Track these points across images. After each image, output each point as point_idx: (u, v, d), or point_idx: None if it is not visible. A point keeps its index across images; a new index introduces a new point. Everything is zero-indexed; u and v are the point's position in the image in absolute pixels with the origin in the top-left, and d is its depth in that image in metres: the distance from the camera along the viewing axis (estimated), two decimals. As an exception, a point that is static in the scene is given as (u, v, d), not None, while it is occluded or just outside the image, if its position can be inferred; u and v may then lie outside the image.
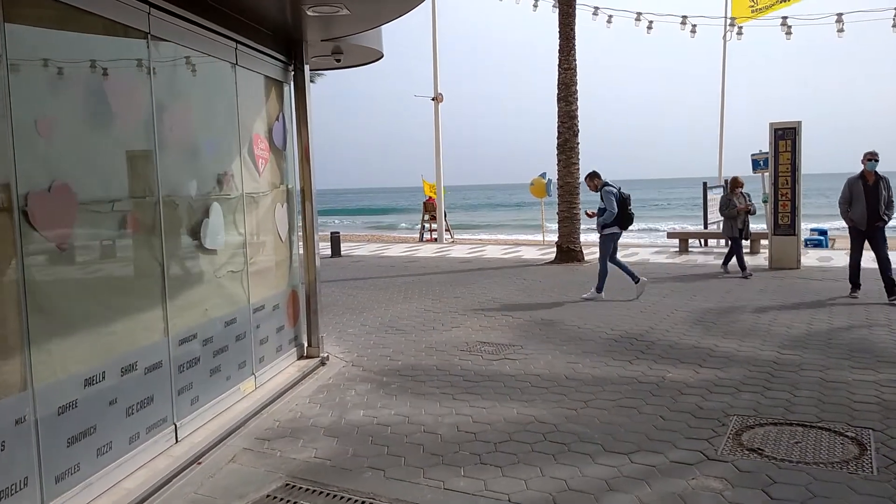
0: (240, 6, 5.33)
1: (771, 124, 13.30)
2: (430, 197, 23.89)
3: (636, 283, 10.30)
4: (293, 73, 6.60)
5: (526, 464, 4.31)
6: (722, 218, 13.06)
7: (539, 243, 21.15)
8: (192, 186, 4.88)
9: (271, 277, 6.19)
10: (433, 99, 22.13)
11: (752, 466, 4.18)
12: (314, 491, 4.03)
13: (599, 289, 10.26)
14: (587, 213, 11.06)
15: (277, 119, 6.34)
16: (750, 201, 12.35)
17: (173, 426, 4.55)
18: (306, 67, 6.62)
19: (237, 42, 5.51)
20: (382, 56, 7.49)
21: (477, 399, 5.63)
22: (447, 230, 24.48)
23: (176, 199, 4.67)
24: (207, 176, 5.11)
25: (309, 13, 5.50)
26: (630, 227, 10.57)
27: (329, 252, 17.78)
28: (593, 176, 10.52)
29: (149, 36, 4.37)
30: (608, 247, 10.39)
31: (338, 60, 7.29)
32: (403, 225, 42.02)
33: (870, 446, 4.41)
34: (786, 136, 13.14)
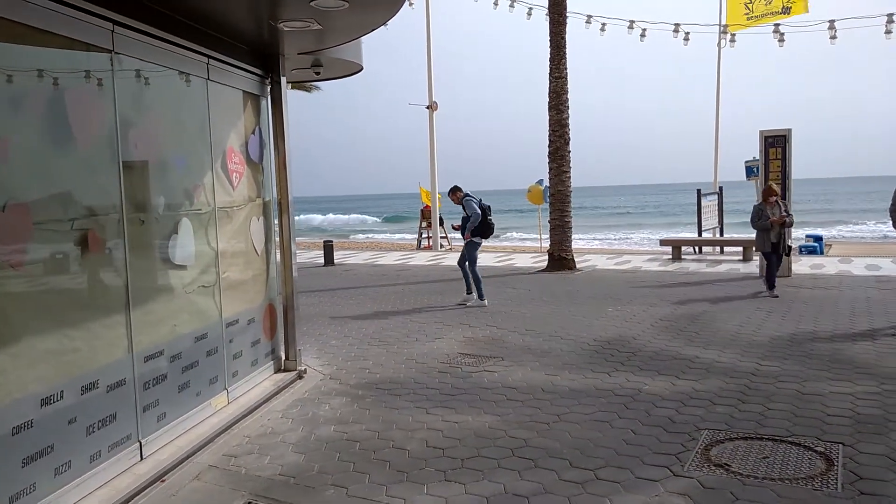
0: (210, 22, 5.33)
1: (761, 132, 13.30)
2: (428, 205, 23.95)
3: (471, 295, 10.80)
4: (270, 86, 6.59)
5: (490, 480, 4.29)
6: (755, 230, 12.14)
7: (536, 250, 21.14)
8: (158, 202, 4.87)
9: (246, 291, 6.18)
10: (428, 107, 22.17)
11: (717, 483, 4.15)
12: (275, 509, 4.00)
13: (480, 296, 10.73)
14: (452, 227, 11.52)
15: (253, 132, 6.34)
16: (786, 211, 11.05)
17: (138, 443, 4.53)
18: (283, 80, 6.62)
19: (209, 57, 5.51)
20: (362, 69, 7.50)
21: (451, 413, 5.61)
22: (444, 237, 24.53)
23: (141, 215, 4.66)
24: (176, 191, 5.10)
25: (280, 28, 5.50)
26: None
27: (322, 261, 17.79)
28: (455, 190, 10.95)
29: (112, 53, 4.37)
30: (473, 254, 10.81)
31: (317, 73, 7.30)
32: (399, 237, 42.10)
33: (837, 462, 4.38)
34: (776, 144, 13.13)
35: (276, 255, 6.80)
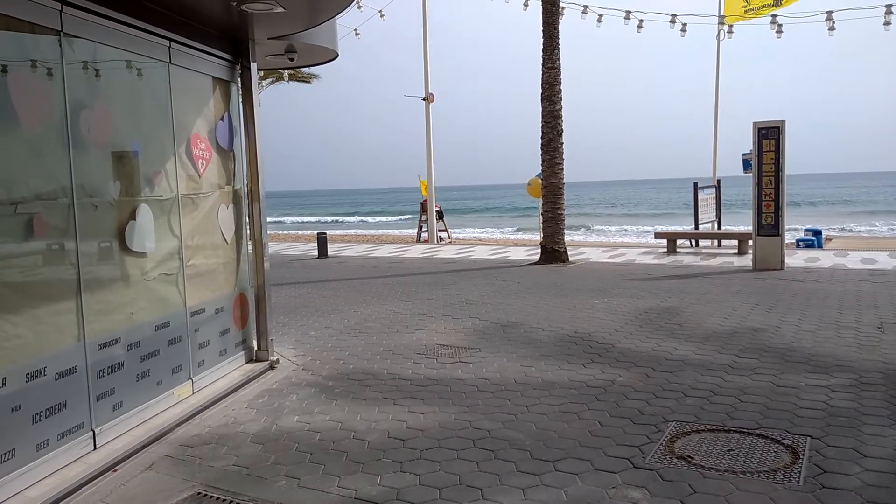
0: (173, 4, 5.23)
1: (754, 124, 13.13)
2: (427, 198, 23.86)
3: None
4: (240, 71, 6.49)
5: (446, 472, 4.20)
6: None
7: (534, 243, 20.99)
8: (114, 188, 4.78)
9: (214, 280, 6.09)
10: (424, 99, 22.04)
11: (677, 475, 4.04)
12: (223, 500, 3.92)
13: None
14: None
15: (222, 119, 6.24)
16: None
17: (91, 433, 4.45)
18: (253, 66, 6.52)
19: (171, 40, 5.41)
20: (337, 56, 7.39)
21: (418, 404, 5.52)
22: (444, 230, 24.45)
23: (94, 201, 4.57)
24: (133, 177, 5.01)
25: (245, 10, 5.39)
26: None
27: (316, 253, 17.72)
28: None
29: (61, 34, 4.28)
30: None
31: (291, 59, 7.19)
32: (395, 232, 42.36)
33: (803, 455, 4.27)
34: (769, 136, 12.96)
35: (248, 244, 6.71)
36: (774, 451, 4.36)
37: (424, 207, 24.45)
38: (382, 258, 16.98)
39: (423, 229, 24.68)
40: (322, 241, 17.77)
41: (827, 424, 4.77)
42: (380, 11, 22.81)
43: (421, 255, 17.42)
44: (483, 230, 45.13)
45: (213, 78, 6.11)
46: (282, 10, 5.32)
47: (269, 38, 6.38)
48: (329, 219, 70.04)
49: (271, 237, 31.03)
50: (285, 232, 44.60)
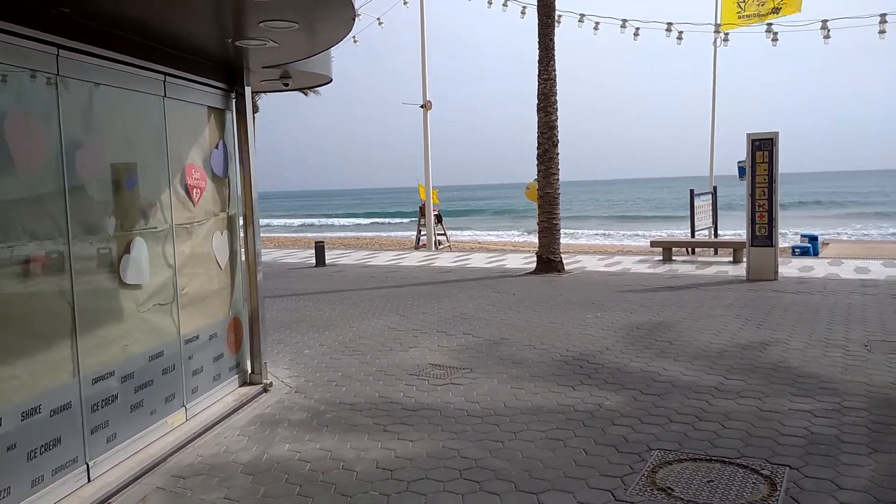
0: (167, 41, 5.33)
1: (748, 135, 13.23)
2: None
3: None
4: (235, 98, 6.59)
5: (432, 505, 4.30)
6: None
7: (532, 248, 21.06)
8: (109, 223, 4.88)
9: (209, 306, 6.19)
10: (422, 107, 22.14)
11: (656, 509, 4.14)
12: (213, 535, 4.02)
13: None
14: None
15: (217, 147, 6.34)
16: None
17: (85, 466, 4.56)
18: (247, 90, 6.60)
19: (166, 74, 5.51)
20: (331, 80, 7.49)
21: (408, 431, 5.62)
22: (442, 234, 24.58)
23: (90, 237, 4.67)
24: (129, 211, 5.11)
25: (237, 45, 5.49)
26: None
27: (314, 261, 17.83)
28: None
29: (57, 76, 4.38)
30: None
31: (286, 84, 7.29)
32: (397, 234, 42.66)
33: (780, 486, 4.37)
34: (763, 148, 13.06)
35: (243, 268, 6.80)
36: (753, 483, 4.46)
37: (423, 211, 24.57)
38: (380, 267, 17.08)
39: (423, 233, 24.81)
40: (320, 249, 17.88)
41: (806, 453, 4.87)
42: (378, 19, 22.94)
43: (418, 264, 17.53)
44: (490, 233, 45.52)
45: (209, 107, 6.21)
46: (275, 44, 5.42)
47: (263, 67, 6.47)
48: (332, 222, 70.77)
49: (272, 241, 31.18)
50: (285, 236, 44.83)
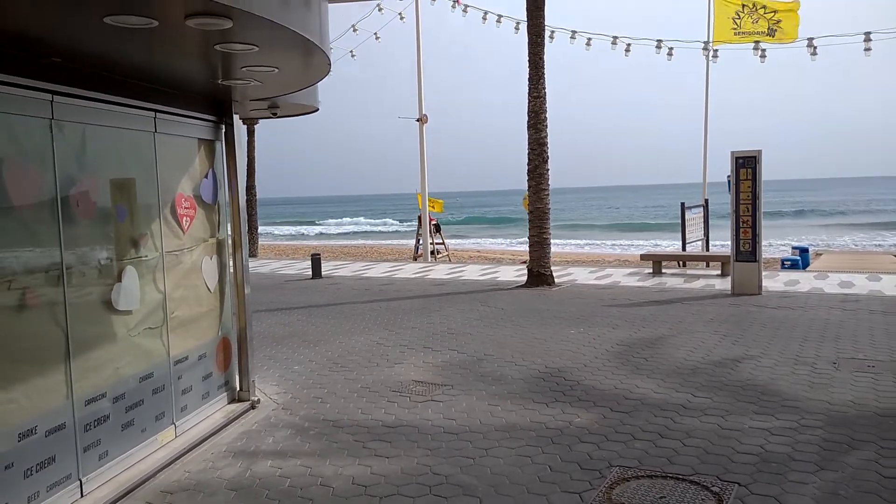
0: (158, 80, 5.66)
1: (732, 153, 13.55)
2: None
3: None
4: (224, 129, 6.92)
5: (401, 520, 4.60)
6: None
7: (526, 258, 21.38)
8: (101, 255, 5.20)
9: (198, 328, 6.50)
10: (418, 120, 22.50)
11: (608, 524, 4.44)
12: (195, 548, 4.33)
13: None
14: None
15: (206, 176, 6.67)
16: None
17: (78, 482, 4.87)
18: (236, 118, 6.91)
19: (156, 111, 5.84)
20: (318, 109, 7.83)
21: (385, 447, 5.92)
22: (441, 243, 24.90)
23: (83, 268, 5.00)
24: (120, 242, 5.43)
25: (221, 83, 5.82)
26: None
27: (310, 273, 18.15)
28: None
29: (52, 121, 4.71)
30: None
31: (274, 114, 7.63)
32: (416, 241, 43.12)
33: (727, 503, 4.67)
34: (746, 165, 13.37)
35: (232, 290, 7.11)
36: (702, 499, 4.75)
37: (422, 221, 24.91)
38: (374, 279, 17.40)
39: (421, 243, 25.15)
40: (316, 261, 18.20)
41: (757, 471, 5.17)
42: (375, 34, 23.34)
43: (413, 276, 17.84)
44: (491, 240, 46.02)
45: (198, 139, 6.54)
46: (259, 83, 5.75)
47: (251, 100, 6.81)
48: (332, 230, 71.68)
49: (272, 250, 31.54)
50: (286, 244, 45.25)
